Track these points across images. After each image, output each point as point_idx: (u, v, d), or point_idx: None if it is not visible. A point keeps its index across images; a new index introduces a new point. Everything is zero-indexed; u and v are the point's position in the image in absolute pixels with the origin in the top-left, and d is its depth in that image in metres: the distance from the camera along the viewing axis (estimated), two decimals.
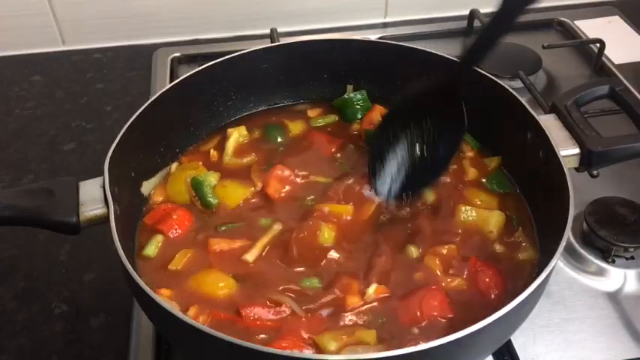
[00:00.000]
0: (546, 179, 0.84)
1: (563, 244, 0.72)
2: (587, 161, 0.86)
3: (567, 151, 0.86)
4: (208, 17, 1.45)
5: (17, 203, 0.76)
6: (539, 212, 0.88)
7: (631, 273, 0.94)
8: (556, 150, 0.83)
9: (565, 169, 0.80)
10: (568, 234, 0.73)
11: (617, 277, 0.94)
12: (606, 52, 1.32)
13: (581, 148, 0.86)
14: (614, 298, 0.92)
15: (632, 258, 0.95)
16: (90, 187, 0.80)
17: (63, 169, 1.17)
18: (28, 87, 1.36)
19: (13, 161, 1.19)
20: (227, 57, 0.99)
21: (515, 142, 0.92)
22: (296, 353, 0.64)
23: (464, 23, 1.44)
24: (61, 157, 1.20)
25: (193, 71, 0.97)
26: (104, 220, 0.77)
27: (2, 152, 1.21)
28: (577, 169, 0.87)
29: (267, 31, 1.37)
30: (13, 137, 1.24)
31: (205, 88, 1.00)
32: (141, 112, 0.88)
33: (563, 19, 1.48)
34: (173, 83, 0.96)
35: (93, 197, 0.79)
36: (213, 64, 0.98)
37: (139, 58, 1.43)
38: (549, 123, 0.89)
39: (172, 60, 1.38)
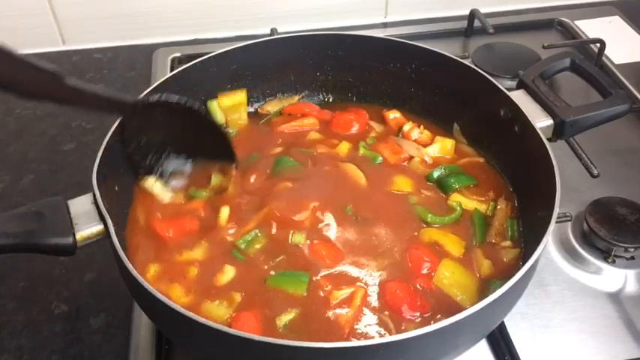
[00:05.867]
0: (527, 156, 0.86)
1: (554, 217, 0.73)
2: (560, 131, 0.89)
3: (542, 123, 0.88)
4: (208, 17, 1.45)
5: (7, 230, 0.71)
6: (527, 196, 0.89)
7: (631, 273, 0.94)
8: (532, 123, 0.86)
9: (544, 140, 0.82)
10: (557, 209, 0.74)
11: (617, 278, 0.94)
12: (606, 52, 1.32)
13: (553, 119, 0.89)
14: (614, 298, 0.92)
15: (633, 258, 0.95)
16: (80, 203, 0.76)
17: (63, 169, 1.17)
18: None
19: (13, 161, 1.19)
20: (207, 55, 1.00)
21: (491, 120, 0.94)
22: (291, 342, 0.63)
23: (464, 23, 1.44)
24: (61, 157, 1.20)
25: (176, 70, 0.97)
26: (101, 236, 0.75)
27: (2, 152, 1.21)
28: (550, 140, 0.89)
29: (268, 31, 1.37)
30: (13, 137, 1.24)
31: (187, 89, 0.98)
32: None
33: (563, 19, 1.48)
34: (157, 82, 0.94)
35: (85, 212, 0.75)
36: (194, 64, 0.98)
37: (139, 58, 1.43)
38: (520, 98, 0.91)
39: (172, 60, 1.38)
